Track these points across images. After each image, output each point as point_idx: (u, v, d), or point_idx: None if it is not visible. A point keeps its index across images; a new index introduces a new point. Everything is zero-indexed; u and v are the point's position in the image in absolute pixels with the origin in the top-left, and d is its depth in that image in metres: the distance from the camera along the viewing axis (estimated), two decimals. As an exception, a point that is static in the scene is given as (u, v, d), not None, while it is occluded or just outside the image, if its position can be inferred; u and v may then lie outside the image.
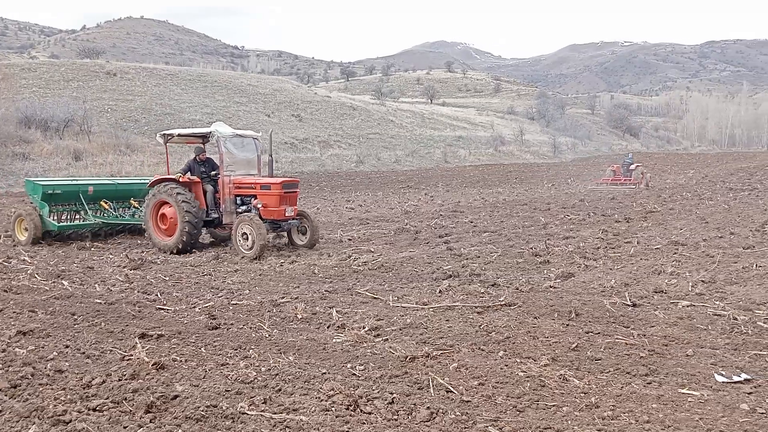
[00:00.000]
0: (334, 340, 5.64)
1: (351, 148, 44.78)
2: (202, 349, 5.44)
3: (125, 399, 4.25)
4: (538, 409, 4.10)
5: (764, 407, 4.06)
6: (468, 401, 4.23)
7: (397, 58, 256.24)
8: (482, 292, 7.54)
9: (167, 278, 8.62)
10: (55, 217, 12.16)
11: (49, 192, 12.01)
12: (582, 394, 4.34)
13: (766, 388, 4.43)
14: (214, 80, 52.06)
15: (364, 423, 3.90)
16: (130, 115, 39.14)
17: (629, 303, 6.86)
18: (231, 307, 6.90)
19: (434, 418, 3.97)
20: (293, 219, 11.11)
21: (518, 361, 5.05)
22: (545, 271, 8.97)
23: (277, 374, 4.74)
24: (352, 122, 53.44)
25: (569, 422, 3.87)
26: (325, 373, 4.80)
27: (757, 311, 6.47)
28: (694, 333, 5.80)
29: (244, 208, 11.11)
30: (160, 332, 5.90)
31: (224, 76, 57.90)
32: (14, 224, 12.10)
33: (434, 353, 5.21)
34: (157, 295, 7.55)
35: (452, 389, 4.43)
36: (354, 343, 5.55)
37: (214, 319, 6.37)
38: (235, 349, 5.41)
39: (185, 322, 6.33)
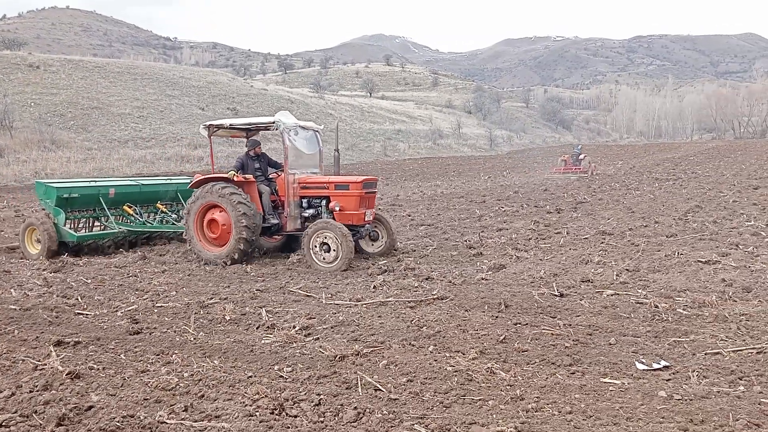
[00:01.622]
0: (262, 342, 5.50)
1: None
2: (122, 355, 5.19)
3: (35, 412, 4.00)
4: (465, 404, 4.10)
5: (681, 394, 4.20)
6: (396, 399, 4.19)
7: (335, 51, 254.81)
8: (416, 287, 7.54)
9: (89, 281, 8.23)
10: (72, 226, 10.61)
11: (65, 196, 10.35)
12: (508, 387, 4.38)
13: (683, 375, 4.59)
14: (144, 73, 50.26)
15: (289, 427, 3.80)
16: (54, 110, 37.34)
17: (557, 293, 7.01)
18: (155, 310, 6.63)
19: (361, 418, 3.91)
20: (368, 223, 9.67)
21: (447, 355, 5.06)
22: (478, 264, 9.07)
23: (200, 380, 4.57)
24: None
25: (494, 416, 3.89)
26: (251, 377, 4.66)
27: (677, 299, 6.73)
28: (617, 321, 5.97)
29: (311, 211, 9.65)
30: (77, 339, 5.60)
31: (155, 68, 55.99)
32: (24, 235, 10.44)
33: (364, 351, 5.15)
34: (77, 299, 7.18)
35: (381, 387, 4.38)
36: (283, 343, 5.42)
37: (137, 323, 6.11)
38: (157, 355, 5.19)
39: (105, 327, 6.04)
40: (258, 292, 7.41)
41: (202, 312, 6.52)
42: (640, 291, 7.11)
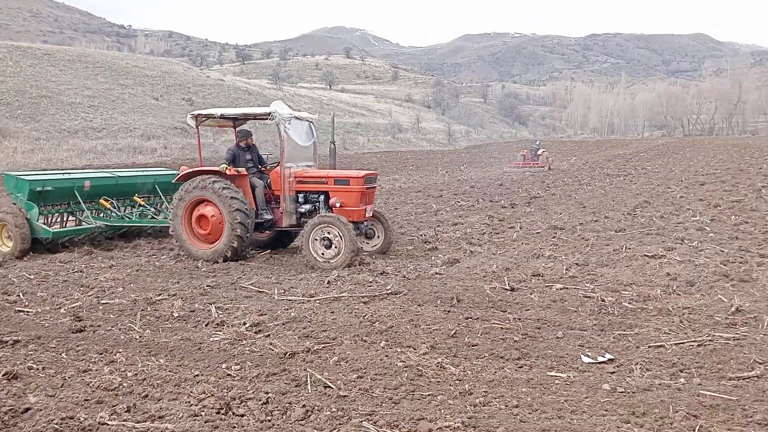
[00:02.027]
0: (211, 339, 5.39)
1: (246, 135, 43.57)
2: (63, 354, 5.02)
3: (-33, 416, 3.82)
4: (414, 400, 4.11)
5: (624, 386, 4.30)
6: (345, 396, 4.17)
7: (294, 43, 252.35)
8: (370, 282, 7.53)
9: (32, 276, 7.93)
10: (45, 221, 9.93)
11: (38, 189, 9.65)
12: (457, 382, 4.41)
13: (627, 368, 4.71)
14: (96, 61, 48.68)
15: (235, 427, 3.74)
16: (1, 98, 35.80)
17: (508, 287, 7.10)
18: (100, 307, 6.43)
19: (309, 416, 3.88)
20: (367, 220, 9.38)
21: (399, 350, 5.07)
22: (433, 258, 9.13)
23: (144, 379, 4.45)
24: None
25: (442, 411, 3.91)
26: (197, 375, 4.57)
27: (623, 292, 6.90)
28: (565, 315, 6.09)
29: (307, 207, 9.29)
30: (16, 338, 5.39)
31: (108, 56, 54.32)
32: None
33: (315, 347, 5.11)
34: (18, 295, 6.92)
35: (330, 384, 4.35)
36: (232, 341, 5.33)
37: (80, 320, 5.92)
38: (101, 354, 5.03)
39: (47, 325, 5.83)
40: (208, 288, 7.28)
41: (149, 309, 6.37)
42: (588, 285, 7.26)
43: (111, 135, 35.03)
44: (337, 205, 8.90)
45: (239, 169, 9.31)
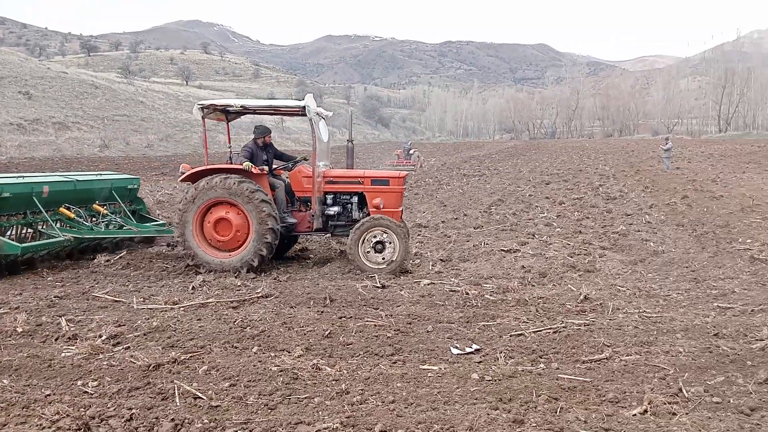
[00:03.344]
0: (62, 355, 4.90)
1: (94, 131, 40.49)
2: None
3: None
4: (290, 404, 4.03)
5: (491, 375, 4.53)
6: (217, 406, 3.98)
7: (147, 35, 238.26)
8: (239, 286, 7.28)
9: None
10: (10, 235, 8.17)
11: (5, 195, 7.95)
12: (333, 382, 4.38)
13: (492, 357, 4.97)
14: None
15: (95, 449, 3.42)
16: None
17: (379, 285, 7.21)
18: (-77, 327, 5.60)
19: (179, 430, 3.65)
20: None
21: (272, 355, 4.94)
22: (304, 259, 9.03)
23: (-17, 404, 3.94)
24: (95, 102, 48.28)
25: (320, 413, 3.87)
26: (49, 395, 4.13)
27: (485, 285, 7.29)
28: (433, 309, 6.30)
29: (335, 209, 8.57)
30: None
31: None
32: None
33: (182, 358, 4.83)
34: None
35: (201, 395, 4.13)
36: (87, 355, 4.89)
37: None
38: (-74, 380, 4.38)
39: None
40: (56, 299, 6.62)
41: (-15, 325, 5.65)
42: (453, 279, 7.59)
43: (-72, 130, 30.83)
44: (381, 206, 8.30)
45: (263, 168, 8.46)
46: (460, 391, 4.25)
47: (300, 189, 8.63)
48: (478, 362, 4.85)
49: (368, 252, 8.03)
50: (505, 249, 9.45)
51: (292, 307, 6.33)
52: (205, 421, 3.75)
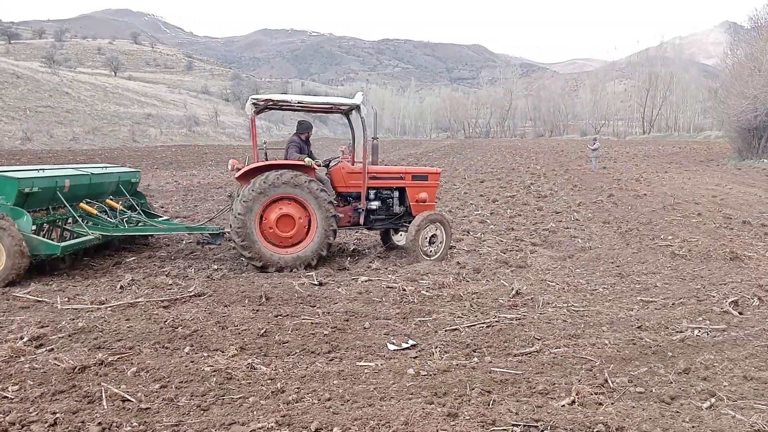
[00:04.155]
0: (-22, 359, 4.62)
1: (15, 123, 38.37)
2: None
3: None
4: (224, 405, 3.94)
5: (426, 369, 4.59)
6: (147, 408, 3.85)
7: (73, 23, 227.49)
8: (170, 284, 7.07)
9: None
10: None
11: (27, 191, 7.32)
12: (269, 381, 4.32)
13: (428, 352, 5.03)
14: None
15: (14, 457, 3.24)
16: None
17: (316, 282, 7.17)
18: None
19: (106, 434, 3.51)
20: None
21: (205, 355, 4.82)
22: (238, 257, 8.86)
23: None
24: (16, 92, 45.74)
25: (254, 413, 3.81)
26: (-38, 403, 3.88)
27: (421, 281, 7.36)
28: (371, 306, 6.32)
29: (376, 204, 8.78)
30: None
31: None
32: None
33: (110, 359, 4.64)
34: None
35: (129, 397, 3.99)
36: (8, 358, 4.62)
37: None
38: None
39: None
40: (-29, 300, 6.24)
41: None
42: (390, 276, 7.63)
43: None
44: (426, 200, 8.91)
45: (316, 162, 8.40)
46: (396, 386, 4.28)
47: (342, 185, 8.69)
48: (414, 357, 4.90)
49: (425, 245, 8.57)
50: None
51: (226, 306, 6.21)
52: (134, 424, 3.63)
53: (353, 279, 7.48)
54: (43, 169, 8.15)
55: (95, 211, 8.49)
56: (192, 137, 51.51)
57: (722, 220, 11.88)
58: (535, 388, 4.23)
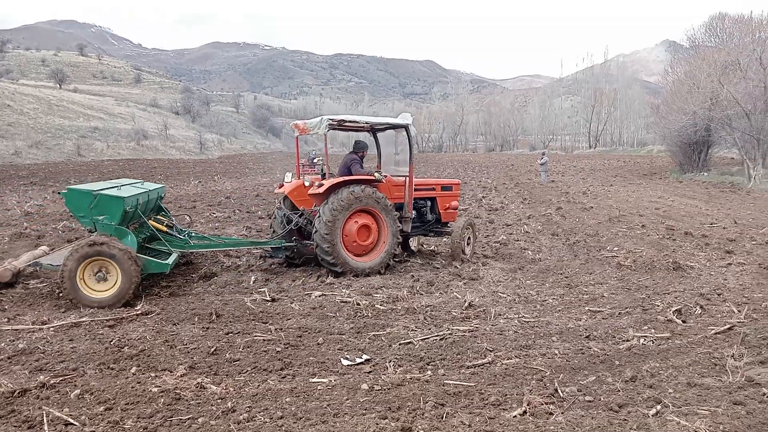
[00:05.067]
0: None
1: (-50, 136, 36.63)
2: None
3: None
4: (172, 426, 3.83)
5: (380, 384, 4.57)
6: (91, 432, 3.71)
7: (15, 34, 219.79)
8: (116, 302, 6.84)
9: None
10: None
11: (129, 209, 7.31)
12: (219, 401, 4.23)
13: (381, 366, 5.02)
14: None
15: (-55, 490, 3.07)
16: None
17: (268, 298, 7.08)
18: None
19: (46, 461, 3.36)
20: None
21: (153, 375, 4.68)
22: (188, 274, 8.67)
23: None
24: (-48, 104, 43.74)
25: (205, 434, 3.72)
26: None
27: (375, 295, 7.36)
28: (324, 321, 6.27)
29: (414, 213, 9.78)
30: None
31: None
32: (77, 272, 6.69)
33: (52, 381, 4.46)
34: None
35: (73, 421, 3.84)
36: (-62, 384, 4.39)
37: None
38: None
39: None
40: None
41: None
42: (344, 290, 7.60)
43: None
44: (452, 208, 10.12)
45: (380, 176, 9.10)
46: (350, 402, 4.25)
47: (389, 196, 9.12)
48: (368, 372, 4.88)
49: (464, 247, 9.77)
50: (396, 259, 9.61)
51: (174, 324, 6.06)
52: (77, 449, 3.49)
53: (306, 294, 7.43)
54: (119, 186, 8.04)
55: (165, 228, 8.50)
56: (140, 151, 50.32)
57: (665, 232, 12.32)
58: (487, 399, 4.26)
